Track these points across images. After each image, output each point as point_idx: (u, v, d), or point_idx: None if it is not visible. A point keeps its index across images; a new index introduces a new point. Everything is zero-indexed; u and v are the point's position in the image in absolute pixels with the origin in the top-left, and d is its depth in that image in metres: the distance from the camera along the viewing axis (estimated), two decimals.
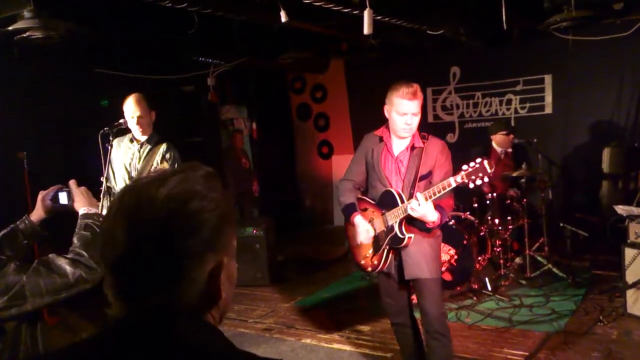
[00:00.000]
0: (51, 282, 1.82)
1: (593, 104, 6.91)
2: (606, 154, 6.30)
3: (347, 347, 4.51)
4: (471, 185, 2.83)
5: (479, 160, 2.81)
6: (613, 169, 6.25)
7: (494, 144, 5.95)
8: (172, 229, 0.92)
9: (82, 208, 2.15)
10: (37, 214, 2.20)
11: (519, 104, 7.46)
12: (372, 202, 3.32)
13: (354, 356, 4.35)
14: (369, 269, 3.31)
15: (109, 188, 3.93)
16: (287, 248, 7.82)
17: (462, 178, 2.84)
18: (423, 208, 2.93)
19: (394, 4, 5.17)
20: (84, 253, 1.91)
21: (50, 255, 1.89)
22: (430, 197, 2.94)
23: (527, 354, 4.10)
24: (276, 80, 9.60)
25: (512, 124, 7.06)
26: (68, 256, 1.91)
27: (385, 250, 3.22)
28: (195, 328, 0.94)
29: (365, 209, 3.35)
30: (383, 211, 3.22)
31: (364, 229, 3.25)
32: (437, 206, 3.01)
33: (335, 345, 4.57)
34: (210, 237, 0.94)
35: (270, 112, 9.35)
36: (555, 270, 5.61)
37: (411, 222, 3.14)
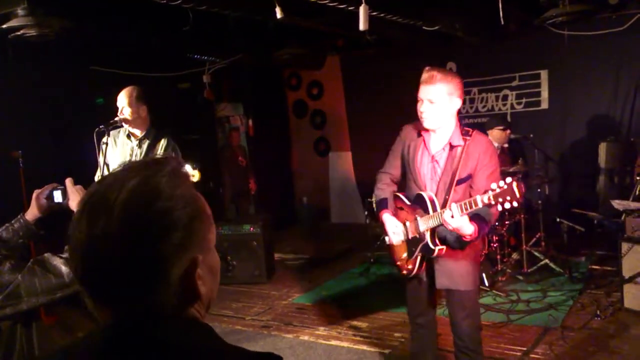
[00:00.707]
0: (46, 281, 1.80)
1: (589, 98, 6.92)
2: (602, 148, 6.31)
3: (345, 344, 4.51)
4: (499, 208, 2.52)
5: (509, 180, 2.47)
6: (609, 164, 6.26)
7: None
8: (138, 234, 0.87)
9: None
10: (32, 212, 2.19)
11: (515, 100, 7.47)
12: (408, 202, 3.04)
13: (351, 352, 4.35)
14: (404, 272, 3.07)
15: None
16: (284, 245, 7.81)
17: (489, 199, 2.51)
18: (457, 221, 2.62)
19: (390, 0, 5.15)
20: None
21: (46, 255, 1.88)
22: (463, 210, 2.62)
23: (524, 349, 4.11)
24: (272, 77, 9.58)
25: (509, 119, 7.06)
26: (63, 256, 1.90)
27: (419, 257, 2.98)
28: (178, 326, 0.92)
29: (401, 209, 3.09)
30: (416, 215, 2.95)
31: (391, 230, 3.03)
32: (476, 216, 2.71)
33: (333, 342, 4.57)
34: (182, 237, 0.90)
35: (267, 109, 9.32)
36: (552, 265, 5.62)
37: (443, 234, 2.88)
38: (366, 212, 7.28)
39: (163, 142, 4.00)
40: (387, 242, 3.14)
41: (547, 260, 5.64)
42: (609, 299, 4.86)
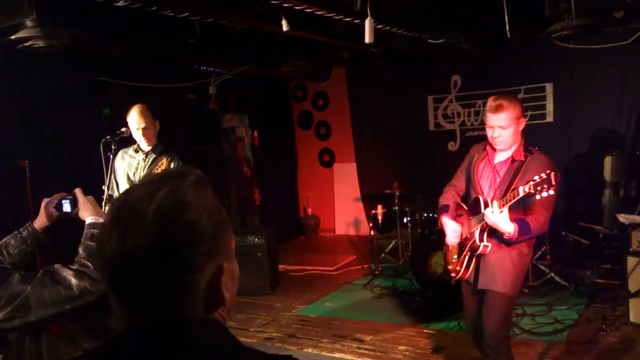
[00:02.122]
0: (55, 293, 1.80)
1: (594, 112, 6.91)
2: (608, 162, 6.28)
3: (349, 357, 4.49)
4: (537, 197, 2.77)
5: (548, 171, 2.75)
6: (615, 177, 6.23)
7: None
8: (168, 245, 0.91)
9: (88, 217, 2.14)
10: (40, 221, 2.20)
11: None
12: (466, 208, 3.33)
13: None
14: (453, 274, 3.29)
15: (110, 196, 3.94)
16: (289, 256, 7.80)
17: (530, 188, 2.76)
18: (495, 216, 2.88)
19: (395, 13, 5.18)
20: (89, 264, 1.89)
21: (56, 266, 1.88)
22: (503, 205, 2.88)
23: None
24: (278, 89, 9.62)
25: None
26: (73, 267, 1.89)
27: (467, 257, 3.19)
28: (205, 329, 0.94)
29: (460, 215, 3.36)
30: (470, 217, 3.21)
31: (451, 230, 3.29)
32: (520, 220, 2.93)
33: (337, 355, 4.55)
34: (209, 246, 0.94)
35: (272, 121, 9.36)
36: (557, 279, 5.60)
37: (491, 231, 3.07)
38: (371, 224, 7.27)
39: (166, 156, 4.08)
40: (444, 248, 3.40)
41: (552, 274, 5.62)
42: (615, 313, 4.82)
